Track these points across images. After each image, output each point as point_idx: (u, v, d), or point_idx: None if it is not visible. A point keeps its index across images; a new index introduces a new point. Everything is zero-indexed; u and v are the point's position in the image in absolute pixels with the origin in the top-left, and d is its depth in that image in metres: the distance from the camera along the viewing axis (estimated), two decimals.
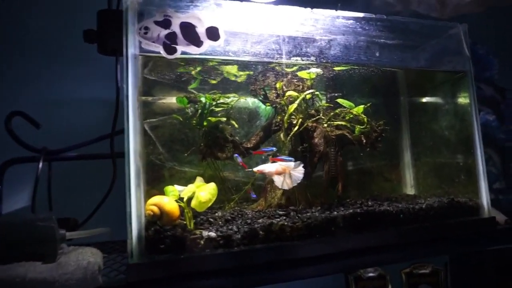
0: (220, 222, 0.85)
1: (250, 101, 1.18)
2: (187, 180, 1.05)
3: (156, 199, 0.78)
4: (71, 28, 1.12)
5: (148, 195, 0.81)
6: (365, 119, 1.02)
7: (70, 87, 1.23)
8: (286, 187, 0.90)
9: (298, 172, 0.91)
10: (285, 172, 0.90)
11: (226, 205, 1.00)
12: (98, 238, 1.00)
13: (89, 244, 1.05)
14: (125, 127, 0.74)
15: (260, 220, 0.85)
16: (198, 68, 1.01)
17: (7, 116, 1.14)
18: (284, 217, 0.87)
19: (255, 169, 0.91)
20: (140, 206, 0.73)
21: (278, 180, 0.90)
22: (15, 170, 1.16)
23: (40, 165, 1.11)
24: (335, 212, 0.90)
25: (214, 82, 1.05)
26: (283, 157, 0.93)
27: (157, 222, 0.77)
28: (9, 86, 1.21)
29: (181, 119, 1.03)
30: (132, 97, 0.76)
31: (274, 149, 0.95)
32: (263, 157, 1.03)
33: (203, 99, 1.02)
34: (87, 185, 1.21)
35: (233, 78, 1.06)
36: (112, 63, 0.98)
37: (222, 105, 1.02)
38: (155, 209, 0.75)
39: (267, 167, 0.90)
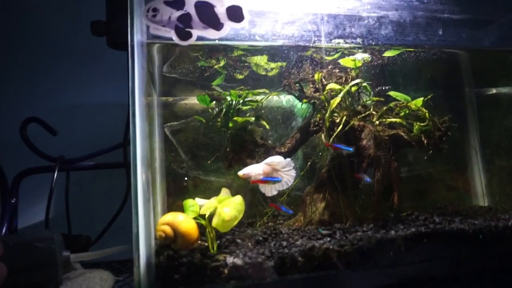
0: (250, 244, 0.69)
1: (284, 99, 1.03)
2: (213, 191, 0.91)
3: (169, 217, 0.64)
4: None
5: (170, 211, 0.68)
6: (427, 115, 0.82)
7: (83, 90, 1.14)
8: (269, 194, 0.75)
9: (288, 173, 0.76)
10: (273, 173, 0.75)
11: (258, 220, 0.84)
12: (118, 255, 0.90)
13: (108, 262, 0.95)
14: (131, 130, 0.61)
15: (298, 242, 0.68)
16: (222, 62, 0.87)
17: (22, 123, 1.07)
18: (329, 238, 0.70)
19: (239, 173, 0.75)
20: (149, 226, 0.60)
21: (262, 187, 0.75)
22: (31, 181, 1.08)
23: (55, 175, 1.03)
24: (393, 232, 0.72)
25: (240, 77, 0.90)
26: (341, 145, 0.78)
27: (170, 246, 0.63)
28: (21, 90, 1.14)
29: (203, 120, 0.90)
30: (138, 93, 0.63)
31: (352, 149, 0.79)
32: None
33: (228, 97, 0.88)
34: (103, 196, 1.11)
35: (262, 72, 0.91)
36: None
37: (250, 103, 0.87)
38: (168, 229, 0.61)
39: (253, 169, 0.74)
